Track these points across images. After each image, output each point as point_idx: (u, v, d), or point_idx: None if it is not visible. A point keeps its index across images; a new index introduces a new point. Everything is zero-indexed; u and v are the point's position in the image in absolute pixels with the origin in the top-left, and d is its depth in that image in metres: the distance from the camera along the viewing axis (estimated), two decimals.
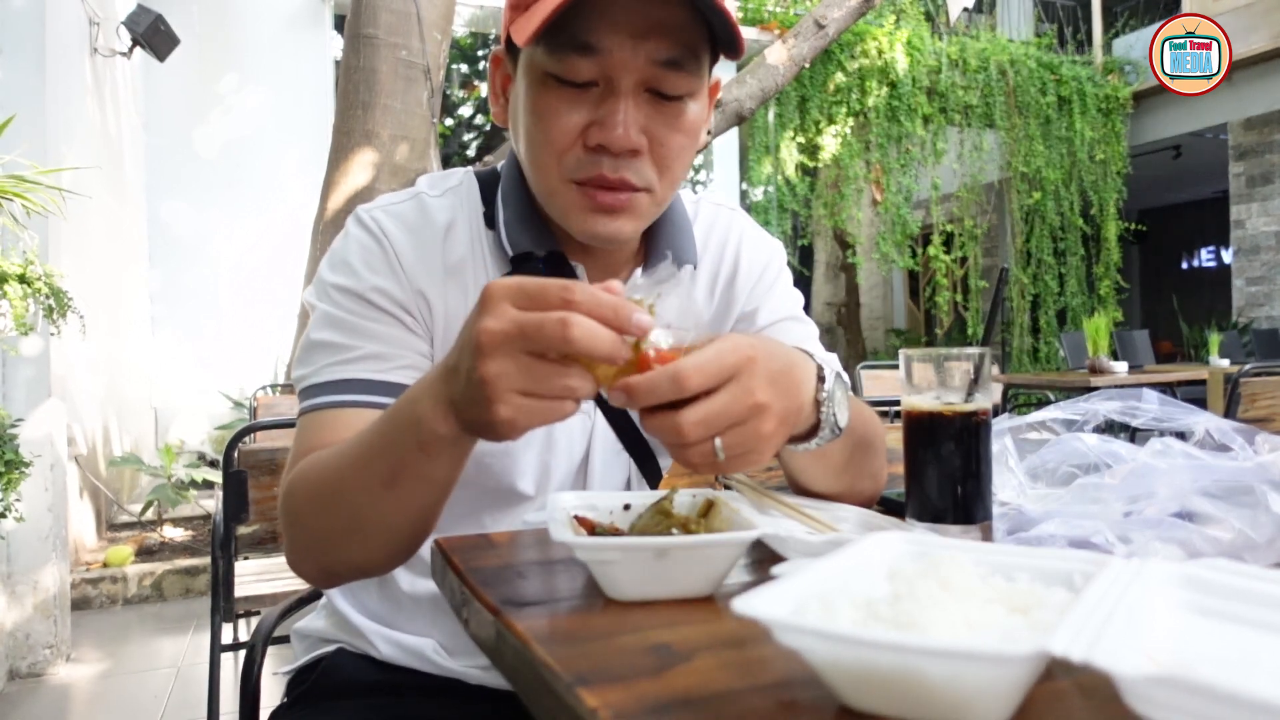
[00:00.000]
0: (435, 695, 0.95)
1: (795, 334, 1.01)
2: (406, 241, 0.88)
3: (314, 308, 0.89)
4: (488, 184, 0.95)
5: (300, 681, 1.02)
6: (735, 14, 0.78)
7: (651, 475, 1.03)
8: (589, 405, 0.95)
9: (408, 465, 0.68)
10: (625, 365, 0.59)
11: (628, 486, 1.01)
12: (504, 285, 0.59)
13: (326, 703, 0.97)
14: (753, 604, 0.43)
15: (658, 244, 0.95)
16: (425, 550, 0.93)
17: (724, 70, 7.81)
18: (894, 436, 1.50)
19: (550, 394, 0.58)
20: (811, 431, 0.73)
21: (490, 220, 0.92)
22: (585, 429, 0.96)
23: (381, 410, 0.77)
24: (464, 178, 0.96)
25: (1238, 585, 0.48)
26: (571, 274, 0.90)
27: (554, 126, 0.79)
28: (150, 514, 4.36)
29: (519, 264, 0.89)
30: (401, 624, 0.98)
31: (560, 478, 0.96)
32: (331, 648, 1.01)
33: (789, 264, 1.10)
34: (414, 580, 0.96)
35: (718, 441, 0.61)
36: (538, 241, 0.89)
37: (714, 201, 1.05)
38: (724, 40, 0.81)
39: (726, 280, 1.02)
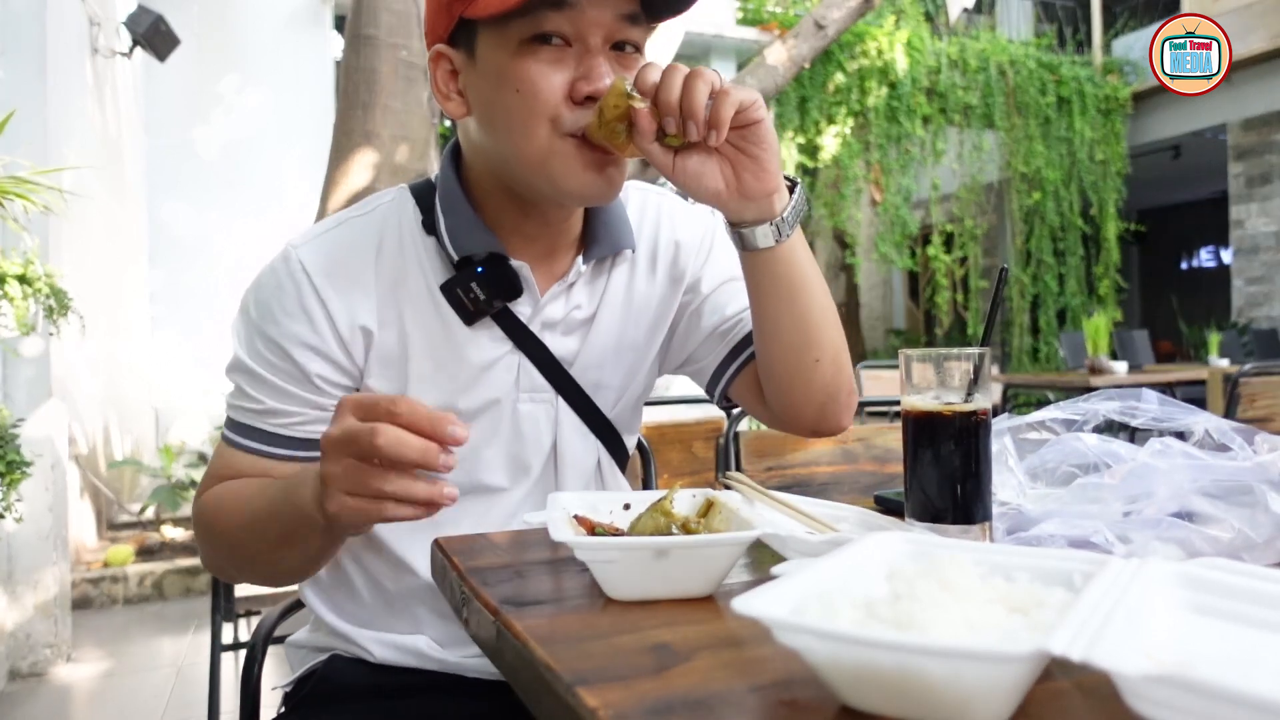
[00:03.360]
0: (433, 692, 0.96)
1: (740, 293, 1.02)
2: (335, 279, 0.89)
3: (237, 335, 0.92)
4: (423, 193, 0.95)
5: (297, 693, 1.02)
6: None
7: (619, 456, 1.05)
8: (549, 394, 0.96)
9: (295, 534, 0.79)
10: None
11: (598, 469, 1.02)
12: (353, 397, 0.67)
13: (324, 710, 0.97)
14: (753, 604, 0.43)
15: (595, 231, 0.96)
16: (408, 550, 0.94)
17: (724, 70, 7.81)
18: (894, 436, 1.51)
19: (368, 494, 0.66)
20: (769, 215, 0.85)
21: (430, 227, 0.92)
22: (550, 417, 0.97)
23: (277, 460, 0.89)
24: (397, 193, 0.96)
25: (1237, 584, 0.48)
26: (512, 274, 0.90)
27: (541, 87, 0.81)
28: (150, 513, 4.36)
29: (461, 267, 0.90)
30: (391, 624, 0.98)
31: (532, 467, 0.97)
32: (325, 656, 1.01)
33: None
34: (399, 577, 0.96)
35: (716, 80, 0.77)
36: (480, 244, 0.90)
37: (640, 185, 1.08)
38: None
39: (669, 259, 1.03)
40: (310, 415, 0.90)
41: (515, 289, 0.91)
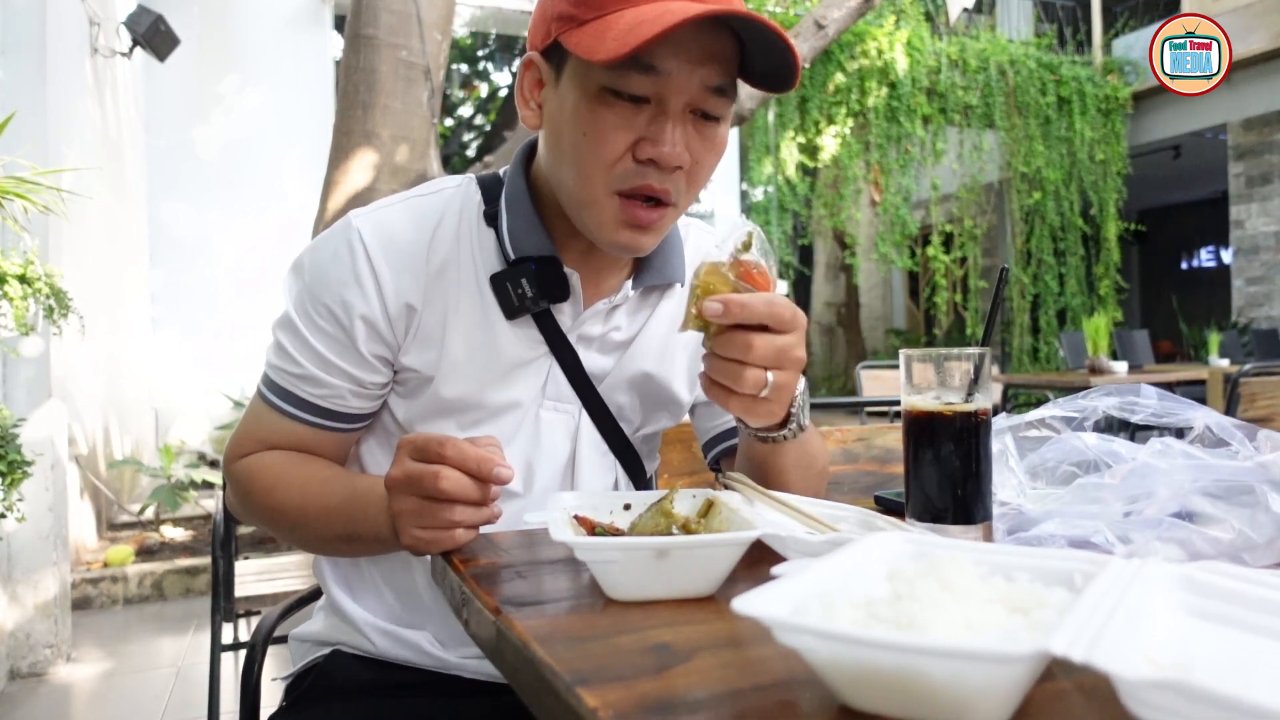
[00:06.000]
0: (432, 692, 0.96)
1: None
2: (390, 254, 0.90)
3: (289, 292, 0.94)
4: (489, 186, 0.97)
5: (298, 686, 1.03)
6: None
7: (638, 478, 1.05)
8: (573, 406, 0.97)
9: (364, 540, 0.86)
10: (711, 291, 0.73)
11: (615, 489, 1.02)
12: (406, 440, 0.76)
13: (324, 704, 0.98)
14: (753, 604, 0.43)
15: (649, 259, 0.97)
16: None
17: None
18: (894, 436, 1.51)
19: (438, 525, 0.74)
20: (782, 424, 0.86)
21: (491, 219, 0.94)
22: (569, 429, 0.98)
23: (313, 429, 0.94)
24: (464, 180, 0.98)
25: (1236, 589, 0.48)
26: (564, 280, 0.92)
27: (607, 139, 0.82)
28: (150, 514, 4.36)
29: (514, 265, 0.92)
30: (398, 614, 0.99)
31: (546, 476, 0.97)
32: (327, 650, 1.02)
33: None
34: (408, 567, 0.98)
35: (770, 375, 0.73)
36: (539, 248, 0.92)
37: (702, 226, 1.11)
38: (770, 72, 0.84)
39: None
40: (345, 389, 0.92)
41: (563, 293, 0.92)
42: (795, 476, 0.92)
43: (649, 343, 1.00)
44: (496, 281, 0.91)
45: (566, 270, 0.92)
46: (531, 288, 0.91)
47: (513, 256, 0.91)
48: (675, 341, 1.01)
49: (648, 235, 0.87)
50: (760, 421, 0.80)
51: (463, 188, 0.97)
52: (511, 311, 0.92)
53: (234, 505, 1.00)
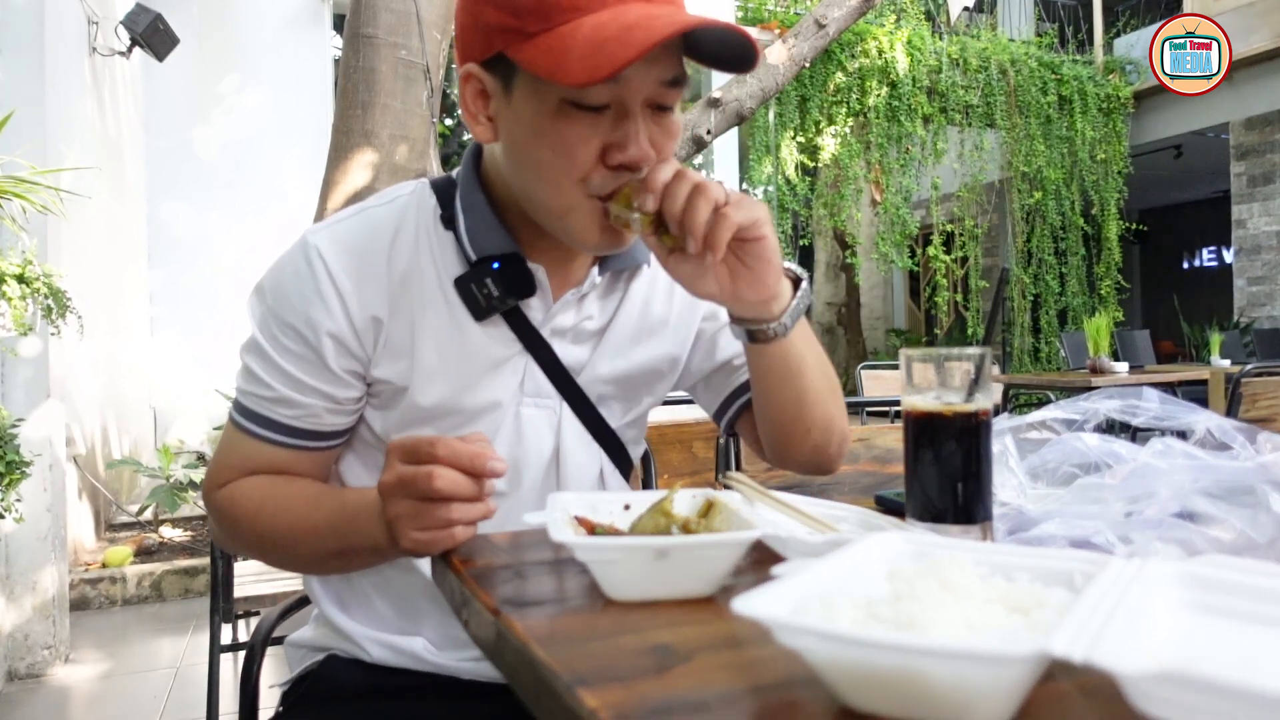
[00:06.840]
0: (428, 695, 0.96)
1: None
2: (350, 268, 0.89)
3: (253, 315, 0.93)
4: (443, 189, 0.95)
5: (294, 692, 1.03)
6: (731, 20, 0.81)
7: (623, 466, 1.04)
8: (553, 400, 0.97)
9: (359, 552, 0.85)
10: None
11: (600, 477, 1.02)
12: (395, 443, 0.75)
13: (320, 709, 0.97)
14: (753, 604, 0.42)
15: None
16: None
17: None
18: (894, 436, 1.50)
19: (436, 525, 0.73)
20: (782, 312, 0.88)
21: (448, 222, 0.93)
22: (552, 423, 0.97)
23: (291, 450, 0.92)
24: (417, 186, 0.97)
25: (1237, 581, 0.48)
26: (529, 276, 0.91)
27: (575, 153, 0.81)
28: (149, 514, 4.36)
29: (477, 266, 0.91)
30: (392, 621, 0.98)
31: (532, 472, 0.97)
32: (322, 656, 1.02)
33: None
34: (402, 573, 0.97)
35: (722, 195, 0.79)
36: (499, 245, 0.91)
37: None
38: (728, 57, 0.84)
39: None
40: (319, 407, 0.91)
41: (529, 288, 0.91)
42: (814, 377, 0.94)
43: (623, 327, 0.99)
44: (461, 284, 0.90)
45: (531, 265, 0.91)
46: (497, 287, 0.90)
47: (474, 257, 0.90)
48: (650, 323, 1.01)
49: (625, 231, 0.87)
50: (758, 280, 0.83)
51: (416, 194, 0.95)
52: (479, 313, 0.91)
53: (219, 537, 0.98)
